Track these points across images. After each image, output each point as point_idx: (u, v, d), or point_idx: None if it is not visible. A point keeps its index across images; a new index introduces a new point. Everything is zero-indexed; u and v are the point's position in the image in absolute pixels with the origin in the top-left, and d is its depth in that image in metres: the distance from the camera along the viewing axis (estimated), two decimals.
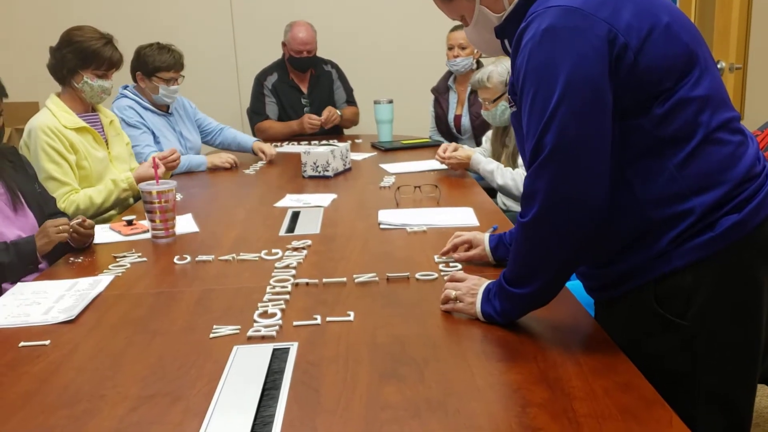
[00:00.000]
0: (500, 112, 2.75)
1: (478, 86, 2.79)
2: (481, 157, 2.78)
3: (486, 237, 1.70)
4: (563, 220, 1.21)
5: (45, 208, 2.13)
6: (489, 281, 1.40)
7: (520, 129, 1.29)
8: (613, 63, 1.18)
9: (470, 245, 1.71)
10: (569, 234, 1.22)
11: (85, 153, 2.50)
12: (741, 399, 1.29)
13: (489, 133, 3.06)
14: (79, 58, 2.50)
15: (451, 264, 1.72)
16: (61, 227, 1.88)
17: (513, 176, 2.63)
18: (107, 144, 2.66)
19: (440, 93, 3.86)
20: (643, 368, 1.18)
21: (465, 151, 2.82)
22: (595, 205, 1.20)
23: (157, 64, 3.11)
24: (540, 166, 1.21)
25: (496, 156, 2.92)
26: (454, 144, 2.89)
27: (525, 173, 2.71)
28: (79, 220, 1.90)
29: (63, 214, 2.17)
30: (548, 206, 1.21)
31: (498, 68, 2.74)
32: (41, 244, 1.87)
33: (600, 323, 1.38)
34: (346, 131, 4.22)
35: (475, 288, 1.40)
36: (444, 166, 2.89)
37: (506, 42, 1.39)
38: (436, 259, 1.75)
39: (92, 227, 1.94)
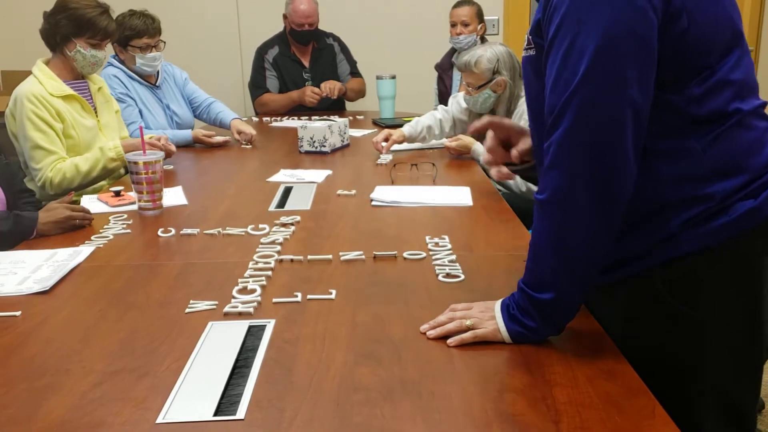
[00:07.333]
0: (482, 99, 2.60)
1: (464, 69, 2.63)
2: (481, 148, 2.70)
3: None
4: (589, 198, 1.07)
5: (12, 182, 2.07)
6: (499, 300, 1.21)
7: (535, 79, 1.16)
8: (665, 25, 1.03)
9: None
10: (597, 213, 1.08)
11: (72, 122, 2.43)
12: (746, 395, 1.21)
13: (460, 98, 2.82)
14: (73, 25, 2.43)
15: (440, 243, 1.67)
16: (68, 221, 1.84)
17: None
18: (96, 112, 2.58)
19: (444, 70, 3.79)
20: (643, 359, 1.12)
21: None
22: (624, 183, 1.07)
23: (127, 33, 2.93)
24: (565, 135, 1.05)
25: None
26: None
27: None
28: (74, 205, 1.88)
29: (29, 191, 2.14)
30: (570, 185, 1.07)
31: (487, 53, 2.57)
32: (43, 226, 1.80)
33: (596, 310, 1.31)
34: (351, 106, 4.15)
35: (489, 310, 1.20)
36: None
37: None
38: (427, 239, 1.71)
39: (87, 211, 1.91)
